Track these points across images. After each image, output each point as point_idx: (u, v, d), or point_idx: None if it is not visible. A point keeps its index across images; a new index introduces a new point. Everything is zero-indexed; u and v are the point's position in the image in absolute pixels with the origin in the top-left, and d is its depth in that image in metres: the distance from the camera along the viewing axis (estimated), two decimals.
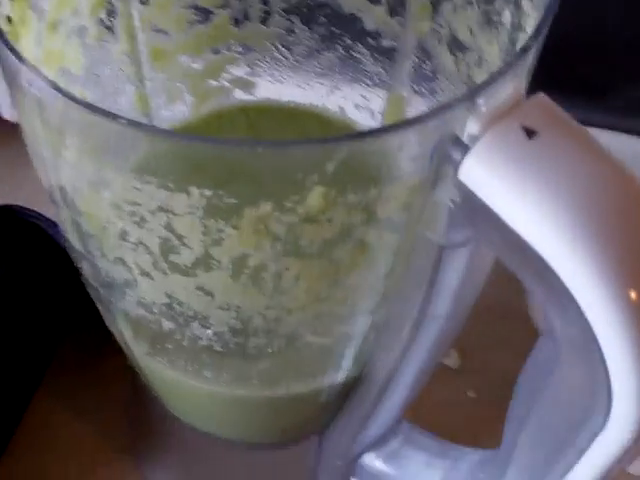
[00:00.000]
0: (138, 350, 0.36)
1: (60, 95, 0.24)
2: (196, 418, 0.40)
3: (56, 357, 0.49)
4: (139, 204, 0.26)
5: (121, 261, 0.29)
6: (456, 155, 0.26)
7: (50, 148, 0.27)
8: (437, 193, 0.27)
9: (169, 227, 0.27)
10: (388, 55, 0.39)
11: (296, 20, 0.40)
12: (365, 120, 0.40)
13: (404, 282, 0.31)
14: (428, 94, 0.38)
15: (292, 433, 0.41)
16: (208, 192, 0.25)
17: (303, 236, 0.27)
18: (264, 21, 0.39)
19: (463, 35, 0.35)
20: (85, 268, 0.32)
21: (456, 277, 0.30)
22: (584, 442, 0.29)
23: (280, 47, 0.40)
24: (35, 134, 0.28)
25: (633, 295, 0.25)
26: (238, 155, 0.24)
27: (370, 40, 0.39)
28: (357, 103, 0.41)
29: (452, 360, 0.51)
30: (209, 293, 0.29)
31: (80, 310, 0.46)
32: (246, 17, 0.39)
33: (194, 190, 0.25)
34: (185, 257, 0.28)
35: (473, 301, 0.33)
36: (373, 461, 0.41)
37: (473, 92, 0.25)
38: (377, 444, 0.41)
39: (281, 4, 0.39)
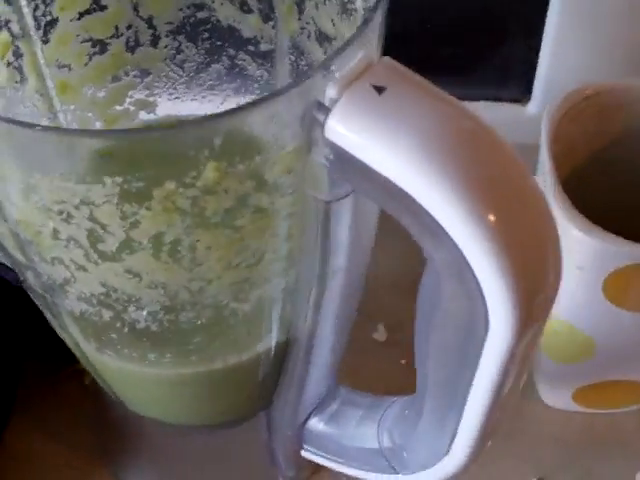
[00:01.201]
0: (88, 349, 0.40)
1: None
2: (150, 408, 0.44)
3: (21, 386, 0.53)
4: (64, 201, 0.31)
5: (58, 260, 0.34)
6: (321, 118, 0.31)
7: None
8: (313, 155, 0.32)
9: (92, 218, 0.31)
10: (268, 58, 0.44)
11: (182, 39, 0.44)
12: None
13: (302, 242, 0.35)
14: None
15: (240, 410, 0.45)
16: (119, 179, 0.30)
17: (206, 207, 0.31)
18: (154, 44, 0.44)
19: (327, 27, 0.40)
20: (29, 277, 0.37)
21: (346, 228, 0.35)
22: (473, 360, 0.33)
23: (172, 66, 0.45)
24: None
25: (491, 217, 0.30)
26: (140, 141, 0.29)
27: (250, 47, 0.44)
28: None
29: (380, 334, 0.56)
30: (137, 274, 0.34)
31: (36, 339, 0.50)
32: (137, 43, 0.44)
33: (107, 180, 0.30)
34: (110, 244, 0.32)
35: (368, 251, 0.38)
36: (317, 425, 0.46)
37: (327, 61, 0.30)
38: (319, 409, 0.45)
39: (166, 26, 0.44)
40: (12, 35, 0.40)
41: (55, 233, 0.32)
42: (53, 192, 0.31)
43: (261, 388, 0.44)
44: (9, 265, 0.39)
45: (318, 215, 0.34)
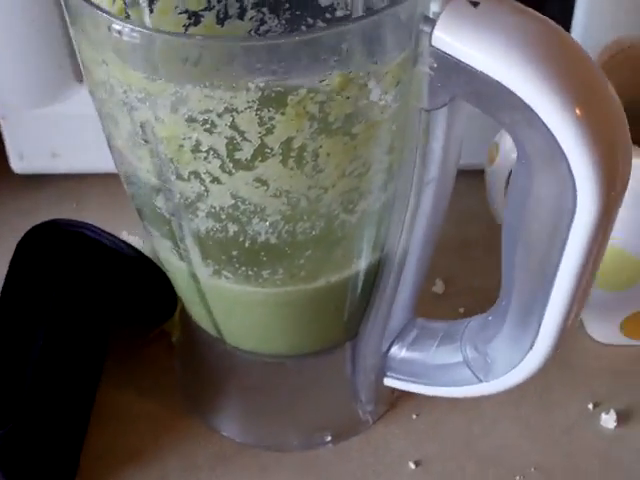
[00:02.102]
0: (204, 275, 0.45)
1: (145, 31, 0.34)
2: (250, 337, 0.49)
3: (109, 351, 0.57)
4: (210, 110, 0.36)
5: (195, 174, 0.39)
6: (427, 29, 0.37)
7: (135, 91, 0.37)
8: (418, 66, 0.38)
9: (233, 125, 0.37)
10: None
11: (265, 11, 0.50)
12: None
13: (403, 153, 0.41)
14: None
15: (331, 337, 0.50)
16: (261, 84, 0.35)
17: (330, 113, 0.37)
18: (241, 16, 0.50)
19: None
20: (158, 201, 0.42)
21: (441, 138, 0.41)
22: (561, 242, 0.39)
23: (256, 36, 0.51)
24: (116, 86, 0.37)
25: (574, 109, 0.36)
26: (280, 47, 0.35)
27: (327, 14, 0.50)
28: None
29: (438, 287, 0.61)
30: (265, 182, 0.39)
31: (124, 304, 0.55)
32: (226, 15, 0.49)
33: (251, 85, 0.35)
34: (246, 152, 0.37)
35: (456, 165, 0.43)
36: (399, 352, 0.51)
37: None
38: (400, 337, 0.50)
39: None
40: (125, 3, 0.45)
41: (197, 145, 0.38)
42: (201, 101, 0.36)
43: (352, 314, 0.49)
44: (133, 196, 0.44)
45: (418, 125, 0.39)
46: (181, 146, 0.38)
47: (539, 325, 0.42)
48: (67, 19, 0.39)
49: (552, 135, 0.35)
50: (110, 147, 0.42)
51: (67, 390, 0.51)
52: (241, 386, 0.53)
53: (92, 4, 0.35)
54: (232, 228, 0.41)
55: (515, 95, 0.35)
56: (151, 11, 0.47)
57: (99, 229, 0.54)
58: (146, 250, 0.55)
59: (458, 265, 0.57)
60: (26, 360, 0.49)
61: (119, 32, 0.35)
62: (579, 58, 0.36)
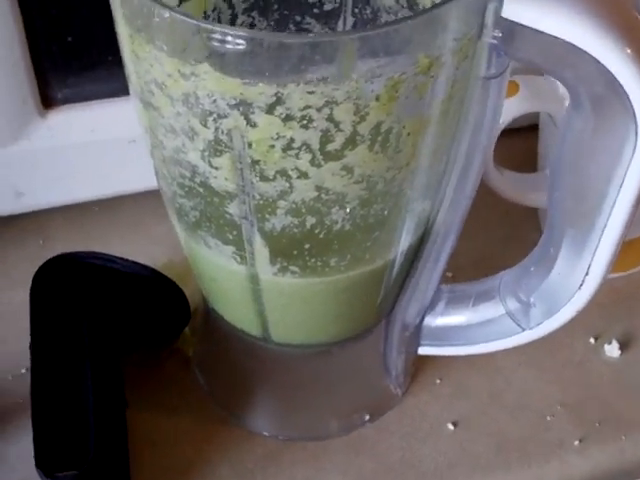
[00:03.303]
0: (268, 275, 0.46)
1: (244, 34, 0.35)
2: (301, 329, 0.50)
3: (127, 374, 0.56)
4: (310, 106, 0.38)
5: (281, 172, 0.40)
6: (497, 2, 0.39)
7: (228, 98, 0.37)
8: (483, 38, 0.40)
9: (330, 118, 0.38)
10: (332, 17, 0.51)
11: (255, 14, 0.51)
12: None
13: (461, 122, 0.44)
14: None
15: (374, 315, 0.52)
16: (364, 71, 0.37)
17: (416, 93, 0.39)
18: (233, 22, 0.51)
19: None
20: (231, 208, 0.43)
21: (494, 106, 0.44)
22: (620, 177, 0.42)
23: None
24: (202, 97, 0.38)
25: (629, 50, 0.39)
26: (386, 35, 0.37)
27: (315, 10, 0.51)
28: None
29: None
30: (350, 170, 0.40)
31: (138, 326, 0.55)
32: (220, 23, 0.51)
33: (354, 75, 0.37)
34: (338, 142, 0.39)
35: (495, 135, 0.46)
36: (433, 322, 0.53)
37: None
38: (430, 308, 0.53)
39: (243, 4, 0.50)
40: None
41: (289, 143, 0.39)
42: (302, 99, 0.37)
43: (390, 290, 0.51)
44: (191, 210, 0.44)
45: (477, 94, 0.42)
46: (272, 146, 0.39)
47: (590, 265, 0.45)
48: (131, 42, 0.39)
49: (615, 78, 0.39)
50: (171, 163, 0.43)
51: (114, 422, 0.51)
52: (280, 383, 0.54)
53: (190, 16, 0.36)
54: (310, 221, 0.42)
55: (579, 49, 0.39)
56: None
57: (105, 254, 0.53)
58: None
59: None
60: (82, 399, 0.48)
61: (222, 41, 0.35)
62: (627, 9, 0.40)
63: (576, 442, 0.54)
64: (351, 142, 0.39)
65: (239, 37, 0.35)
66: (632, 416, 0.55)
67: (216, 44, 0.36)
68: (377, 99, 0.37)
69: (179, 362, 0.58)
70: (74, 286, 0.52)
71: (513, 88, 0.55)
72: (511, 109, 0.55)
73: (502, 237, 0.64)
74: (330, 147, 0.39)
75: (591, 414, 0.56)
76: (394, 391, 0.55)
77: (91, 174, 0.61)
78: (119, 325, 0.54)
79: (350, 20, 0.51)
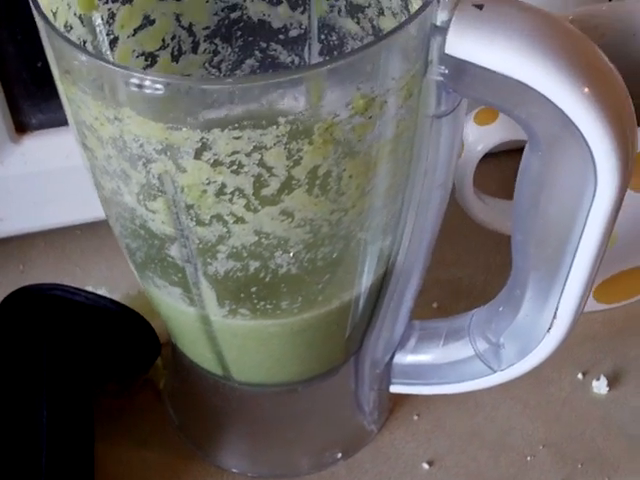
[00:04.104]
0: (218, 317, 0.44)
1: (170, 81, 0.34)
2: (260, 370, 0.49)
3: (96, 406, 0.55)
4: (238, 152, 0.36)
5: (217, 217, 0.38)
6: (439, 37, 0.37)
7: (154, 143, 0.36)
8: (428, 75, 0.38)
9: (261, 163, 0.36)
10: (298, 43, 0.50)
11: (218, 41, 0.49)
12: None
13: (412, 163, 0.41)
14: None
15: (339, 355, 0.50)
16: (291, 117, 0.35)
17: (354, 135, 0.37)
18: (195, 50, 0.49)
19: None
20: (172, 251, 0.41)
21: (447, 143, 0.41)
22: (581, 222, 0.40)
23: (210, 68, 0.50)
24: (129, 141, 0.36)
25: (586, 90, 0.37)
26: (310, 77, 0.35)
27: (280, 36, 0.49)
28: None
29: None
30: (290, 215, 0.38)
31: (106, 359, 0.53)
32: (180, 51, 0.49)
33: (281, 120, 0.35)
34: (273, 187, 0.37)
35: (453, 171, 0.44)
36: (403, 358, 0.51)
37: None
38: (401, 344, 0.51)
39: (204, 31, 0.49)
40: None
41: (222, 188, 0.37)
42: (229, 144, 0.35)
43: (356, 328, 0.49)
44: (136, 250, 0.43)
45: (428, 133, 0.40)
46: (204, 192, 0.37)
47: (557, 308, 0.43)
48: (60, 79, 0.38)
49: (569, 119, 0.36)
50: (110, 204, 0.41)
51: (75, 458, 0.50)
52: (248, 420, 0.52)
53: (105, 60, 0.34)
54: (253, 265, 0.40)
55: (530, 88, 0.36)
56: (113, 59, 0.45)
57: (70, 287, 0.52)
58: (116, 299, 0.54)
59: None
60: (35, 436, 0.47)
61: (139, 86, 0.34)
62: (585, 46, 0.37)
63: None
64: (287, 187, 0.37)
65: (157, 82, 0.34)
66: (617, 457, 0.53)
67: (134, 89, 0.34)
68: (310, 143, 0.35)
69: (151, 394, 0.57)
70: (36, 319, 0.51)
71: (492, 115, 0.52)
72: (490, 137, 0.52)
73: (492, 266, 0.61)
74: (265, 192, 0.37)
75: (575, 454, 0.54)
76: (368, 427, 0.54)
77: (69, 199, 0.60)
78: (86, 358, 0.53)
79: (316, 46, 0.49)
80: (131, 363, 0.54)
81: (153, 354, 0.54)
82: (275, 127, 0.35)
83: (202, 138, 0.35)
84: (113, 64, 0.34)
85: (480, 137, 0.52)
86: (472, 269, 0.62)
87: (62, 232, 0.62)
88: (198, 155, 0.36)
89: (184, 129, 0.35)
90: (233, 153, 0.35)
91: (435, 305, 0.60)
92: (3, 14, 0.53)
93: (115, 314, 0.52)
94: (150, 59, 0.48)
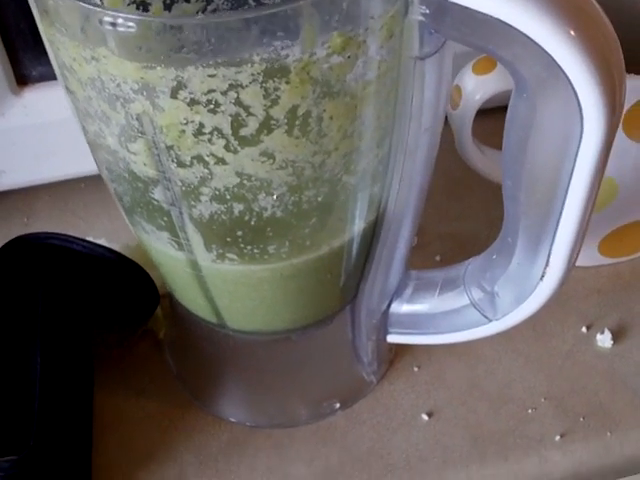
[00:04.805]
0: (206, 262, 0.44)
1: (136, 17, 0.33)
2: (254, 317, 0.48)
3: (97, 355, 0.56)
4: (213, 90, 0.35)
5: (197, 158, 0.38)
6: None
7: (131, 83, 0.35)
8: (409, 15, 0.38)
9: (238, 102, 0.36)
10: None
11: None
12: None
13: (397, 106, 0.41)
14: None
15: (332, 303, 0.50)
16: (265, 55, 0.35)
17: (332, 75, 0.37)
18: None
19: None
20: (156, 193, 0.41)
21: (433, 87, 0.41)
22: (569, 167, 0.39)
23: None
24: (107, 81, 0.36)
25: (572, 32, 0.36)
26: (282, 14, 0.34)
27: None
28: None
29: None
30: (271, 156, 0.38)
31: (105, 308, 0.53)
32: (173, 0, 0.48)
33: (255, 57, 0.35)
34: (251, 127, 0.37)
35: (444, 114, 0.43)
36: (399, 307, 0.51)
37: None
38: (397, 293, 0.50)
39: None
40: None
41: (200, 128, 0.37)
42: (204, 82, 0.35)
43: (350, 276, 0.48)
44: (123, 195, 0.42)
45: (412, 75, 0.39)
46: (182, 132, 0.37)
47: (549, 255, 0.43)
48: (40, 21, 0.37)
49: (555, 61, 0.36)
50: (95, 147, 0.41)
51: (70, 405, 0.50)
52: (244, 369, 0.52)
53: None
54: (237, 208, 0.40)
55: (513, 28, 0.35)
56: (102, 2, 0.45)
57: (68, 236, 0.52)
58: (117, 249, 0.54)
59: (425, 214, 0.57)
60: (29, 382, 0.47)
61: (112, 24, 0.34)
62: None
63: (557, 437, 0.52)
64: (266, 127, 0.37)
65: (129, 20, 0.33)
66: (620, 411, 0.53)
67: (108, 27, 0.34)
68: (287, 82, 0.35)
69: (151, 343, 0.57)
70: (33, 267, 0.51)
71: (490, 65, 0.51)
72: (488, 86, 0.52)
73: (496, 220, 0.60)
74: (244, 132, 0.37)
75: (576, 407, 0.53)
76: (367, 378, 0.53)
77: (72, 151, 0.60)
78: (84, 306, 0.53)
79: None
80: (130, 312, 0.54)
81: (152, 304, 0.54)
82: (250, 65, 0.34)
83: (177, 76, 0.35)
84: (85, 2, 0.34)
85: (478, 86, 0.52)
86: (475, 223, 0.61)
87: (66, 185, 0.62)
88: (174, 94, 0.35)
89: (158, 68, 0.35)
90: (209, 92, 0.35)
91: (438, 258, 0.60)
92: None
93: (112, 263, 0.52)
94: (142, 7, 0.47)
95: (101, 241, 0.58)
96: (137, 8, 0.47)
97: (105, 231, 0.60)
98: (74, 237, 0.52)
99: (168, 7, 0.48)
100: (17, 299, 0.50)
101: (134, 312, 0.54)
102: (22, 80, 0.59)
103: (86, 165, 0.59)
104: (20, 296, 0.50)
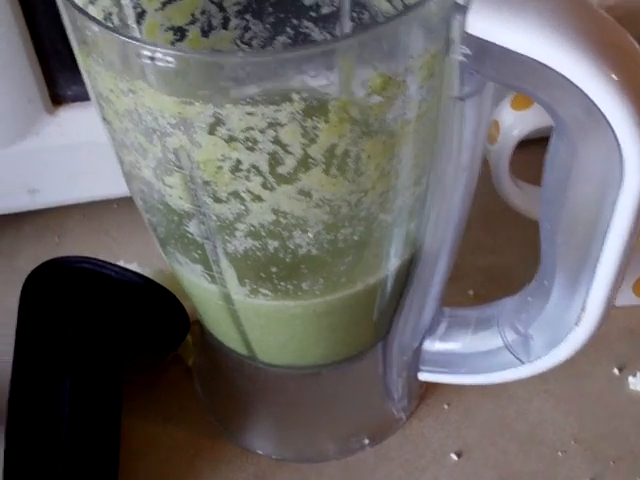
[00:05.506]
0: (240, 295, 0.43)
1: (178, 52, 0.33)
2: (284, 352, 0.48)
3: (125, 380, 0.55)
4: (252, 128, 0.35)
5: (234, 194, 0.38)
6: (460, 16, 0.36)
7: (168, 117, 0.35)
8: (450, 55, 0.37)
9: (276, 140, 0.35)
10: (330, 20, 0.49)
11: (249, 17, 0.48)
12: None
13: (436, 145, 0.40)
14: None
15: (364, 340, 0.50)
16: (305, 94, 0.34)
17: (371, 115, 0.36)
18: (225, 26, 0.48)
19: None
20: (191, 227, 0.40)
21: (472, 126, 0.40)
22: (609, 211, 0.38)
23: (241, 45, 0.49)
24: (144, 114, 0.35)
25: (613, 75, 0.35)
26: (325, 53, 0.34)
27: (312, 13, 0.49)
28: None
29: None
30: (308, 194, 0.38)
31: (136, 334, 0.53)
32: (210, 27, 0.48)
33: (295, 96, 0.34)
34: (289, 165, 0.36)
35: (482, 153, 0.43)
36: (431, 345, 0.50)
37: None
38: (430, 330, 0.50)
39: (235, 7, 0.48)
40: (114, 27, 0.44)
41: (237, 165, 0.36)
42: (242, 120, 0.34)
43: (383, 313, 0.48)
44: (157, 225, 0.42)
45: (452, 115, 0.39)
46: (219, 168, 0.36)
47: (585, 300, 0.42)
48: (77, 50, 0.37)
49: (594, 104, 0.35)
50: (130, 177, 0.41)
51: (98, 432, 0.49)
52: (273, 401, 0.52)
53: (117, 31, 0.34)
54: (272, 245, 0.40)
55: (553, 70, 0.35)
56: (140, 32, 0.45)
57: (99, 261, 0.52)
58: (148, 275, 0.54)
59: (460, 247, 0.56)
60: (57, 408, 0.47)
61: (151, 58, 0.33)
62: (611, 28, 0.36)
63: None
64: (303, 165, 0.36)
65: (168, 54, 0.33)
66: None
67: (146, 61, 0.33)
68: (326, 121, 0.34)
69: (181, 370, 0.56)
70: (64, 291, 0.51)
71: (529, 100, 0.51)
72: (526, 122, 0.51)
73: (531, 255, 0.60)
74: (281, 170, 0.36)
75: (607, 451, 0.52)
76: (397, 415, 0.53)
77: (106, 172, 0.60)
78: (114, 331, 0.53)
79: (348, 24, 0.48)
80: (160, 339, 0.54)
81: (182, 330, 0.54)
82: (289, 103, 0.34)
83: (215, 113, 0.34)
84: (125, 36, 0.34)
85: (516, 122, 0.51)
86: (510, 258, 0.60)
87: (99, 205, 0.62)
88: (212, 130, 0.35)
89: (197, 103, 0.34)
90: (247, 129, 0.35)
91: (471, 292, 0.59)
92: None
93: (142, 288, 0.52)
94: (179, 33, 0.47)
95: (133, 265, 0.58)
96: (174, 34, 0.47)
97: (137, 254, 0.60)
98: (106, 262, 0.52)
99: (205, 33, 0.48)
100: (48, 322, 0.50)
101: (164, 338, 0.54)
102: (57, 99, 0.59)
103: (119, 186, 0.59)
104: (51, 319, 0.50)
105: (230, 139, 0.35)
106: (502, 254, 0.61)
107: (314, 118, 0.35)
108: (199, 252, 0.42)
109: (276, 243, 0.40)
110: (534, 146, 0.53)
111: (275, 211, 0.38)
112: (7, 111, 0.57)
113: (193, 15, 0.47)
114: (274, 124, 0.34)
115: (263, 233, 0.39)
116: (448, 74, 0.37)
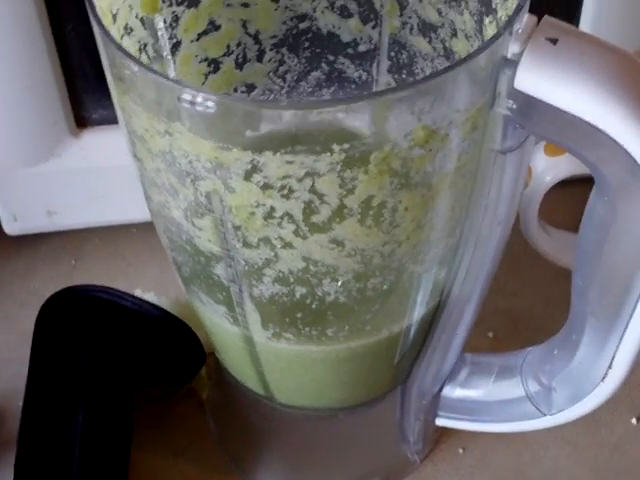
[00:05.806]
0: (262, 338, 0.43)
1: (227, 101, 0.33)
2: (303, 394, 0.47)
3: (137, 411, 0.54)
4: (289, 176, 0.34)
5: (265, 240, 0.37)
6: (509, 71, 0.35)
7: (204, 161, 0.34)
8: (495, 108, 0.36)
9: (313, 190, 0.35)
10: (366, 58, 0.48)
11: (284, 51, 0.48)
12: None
13: (473, 197, 0.39)
14: (409, 78, 0.47)
15: (384, 384, 0.49)
16: (346, 145, 0.33)
17: (412, 167, 0.35)
18: (260, 59, 0.48)
19: (432, 18, 0.44)
20: (218, 270, 0.40)
21: (511, 180, 0.39)
22: None
23: (275, 78, 0.49)
24: (179, 156, 0.35)
25: None
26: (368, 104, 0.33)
27: (349, 50, 0.48)
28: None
29: None
30: (340, 243, 0.37)
31: (149, 365, 0.52)
32: (245, 59, 0.47)
33: (335, 147, 0.33)
34: (323, 214, 0.36)
35: (516, 208, 0.42)
36: (452, 391, 0.49)
37: (511, 21, 0.34)
38: (451, 376, 0.49)
39: (271, 40, 0.47)
40: (149, 58, 0.43)
41: (271, 212, 0.35)
42: (280, 168, 0.34)
43: (405, 358, 0.47)
44: (182, 264, 0.42)
45: (492, 168, 0.38)
46: (252, 214, 0.36)
47: (613, 357, 0.41)
48: (113, 87, 0.36)
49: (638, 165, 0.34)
50: (158, 216, 0.40)
51: (107, 464, 0.49)
52: (288, 442, 0.51)
53: (157, 73, 0.33)
54: (300, 291, 0.39)
55: (599, 130, 0.34)
56: (174, 63, 0.44)
57: (116, 290, 0.51)
58: (164, 305, 0.53)
59: None
60: (69, 441, 0.46)
61: (192, 102, 0.32)
62: None
63: None
64: (338, 215, 0.35)
65: (208, 99, 0.32)
66: None
67: (185, 105, 0.32)
68: (365, 172, 0.34)
69: (194, 403, 0.55)
70: (80, 320, 0.50)
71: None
72: (559, 169, 0.50)
73: (552, 299, 0.59)
74: (315, 219, 0.35)
75: None
76: (411, 458, 0.52)
77: (125, 197, 0.59)
78: (128, 362, 0.52)
79: (385, 63, 0.48)
80: (175, 371, 0.53)
81: (197, 363, 0.53)
82: (329, 154, 0.33)
83: (253, 160, 0.33)
84: (166, 78, 0.33)
85: (549, 168, 0.50)
86: (531, 300, 0.60)
87: (117, 229, 0.62)
88: (248, 177, 0.34)
89: (235, 149, 0.33)
90: (284, 177, 0.34)
91: (491, 335, 0.58)
92: (67, 7, 0.52)
93: (160, 321, 0.51)
94: (213, 65, 0.46)
95: (150, 295, 0.57)
96: (208, 65, 0.46)
97: (154, 282, 0.59)
98: (122, 292, 0.51)
99: (239, 66, 0.47)
100: (63, 351, 0.49)
101: (178, 370, 0.53)
102: (82, 122, 0.58)
103: (139, 211, 0.58)
104: (66, 348, 0.49)
105: (266, 186, 0.34)
106: (523, 296, 0.60)
107: (354, 169, 0.34)
108: (224, 294, 0.41)
109: (304, 290, 0.39)
110: (563, 189, 0.53)
111: (305, 259, 0.37)
112: (32, 132, 0.56)
113: (228, 47, 0.46)
114: (312, 173, 0.34)
115: (291, 279, 0.38)
116: (491, 127, 0.36)
